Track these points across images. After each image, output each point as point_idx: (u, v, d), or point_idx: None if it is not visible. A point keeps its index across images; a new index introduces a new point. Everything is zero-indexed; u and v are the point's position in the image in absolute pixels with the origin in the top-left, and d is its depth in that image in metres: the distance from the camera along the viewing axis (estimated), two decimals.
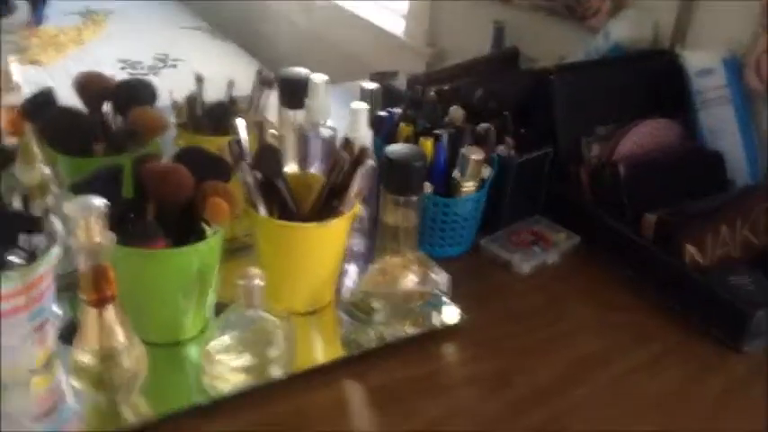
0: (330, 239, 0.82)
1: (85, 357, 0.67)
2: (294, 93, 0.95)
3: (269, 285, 0.71)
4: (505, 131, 1.00)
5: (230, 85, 0.95)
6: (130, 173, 0.74)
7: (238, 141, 0.79)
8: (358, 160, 0.80)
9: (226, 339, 0.73)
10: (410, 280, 0.84)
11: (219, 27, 2.47)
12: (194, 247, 0.72)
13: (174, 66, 2.11)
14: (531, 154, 1.00)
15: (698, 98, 1.09)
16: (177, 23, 2.44)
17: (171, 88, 0.91)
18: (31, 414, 0.65)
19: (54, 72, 1.96)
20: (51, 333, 0.73)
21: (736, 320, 0.86)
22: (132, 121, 0.84)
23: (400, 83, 1.28)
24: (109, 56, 2.11)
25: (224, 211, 0.71)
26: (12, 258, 0.65)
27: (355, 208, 0.81)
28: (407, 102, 1.06)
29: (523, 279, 0.97)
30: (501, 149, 0.99)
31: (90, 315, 0.65)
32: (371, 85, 1.07)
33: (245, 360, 0.74)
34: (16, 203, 0.70)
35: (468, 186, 0.94)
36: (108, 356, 0.66)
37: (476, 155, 0.92)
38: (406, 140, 0.96)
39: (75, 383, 0.69)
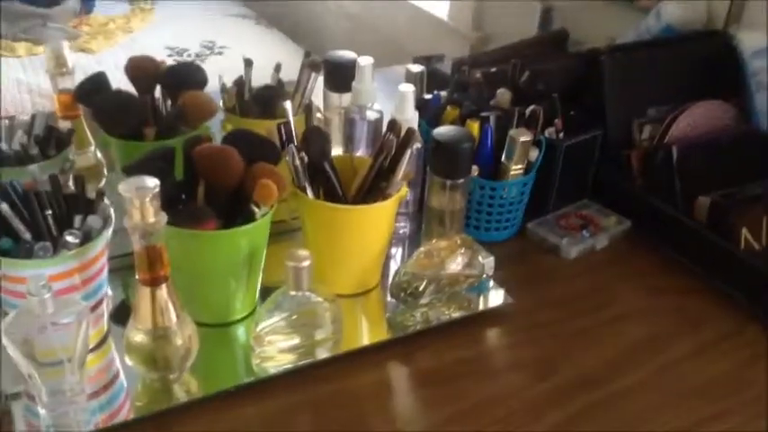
0: (377, 222, 0.82)
1: (138, 336, 0.68)
2: (341, 76, 0.96)
3: (316, 268, 0.72)
4: (553, 114, 0.99)
5: (277, 68, 0.95)
6: (181, 155, 0.75)
7: (287, 124, 0.80)
8: (405, 142, 0.79)
9: (274, 321, 0.73)
10: (456, 263, 0.83)
11: (264, 14, 2.49)
12: (244, 229, 0.73)
13: (221, 53, 2.13)
14: (579, 137, 0.99)
15: (752, 80, 1.06)
16: (223, 11, 2.46)
17: (226, 73, 0.91)
18: (85, 392, 0.66)
19: (103, 59, 1.99)
20: (105, 313, 0.75)
21: None
22: (182, 105, 0.85)
23: (445, 66, 1.27)
24: (156, 43, 2.14)
25: (273, 193, 0.72)
26: (68, 238, 0.66)
27: (402, 190, 0.81)
28: (454, 84, 1.06)
29: (571, 264, 0.96)
30: (549, 132, 0.98)
31: (144, 294, 0.66)
32: (417, 68, 1.06)
33: (293, 341, 0.75)
34: (71, 185, 0.72)
35: (516, 169, 0.93)
36: (161, 335, 0.68)
37: (524, 137, 0.91)
38: (453, 123, 0.96)
39: (129, 362, 0.70)
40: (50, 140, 0.82)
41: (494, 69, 1.07)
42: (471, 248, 0.85)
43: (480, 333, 0.84)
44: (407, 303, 0.83)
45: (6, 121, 0.82)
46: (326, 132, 0.82)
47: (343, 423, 0.71)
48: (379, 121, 0.92)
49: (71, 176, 0.72)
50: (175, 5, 2.44)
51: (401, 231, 0.97)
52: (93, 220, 0.69)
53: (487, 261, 0.85)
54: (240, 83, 0.92)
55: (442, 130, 0.86)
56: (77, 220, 0.69)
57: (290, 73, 0.97)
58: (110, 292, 0.77)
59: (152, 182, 0.62)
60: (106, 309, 0.75)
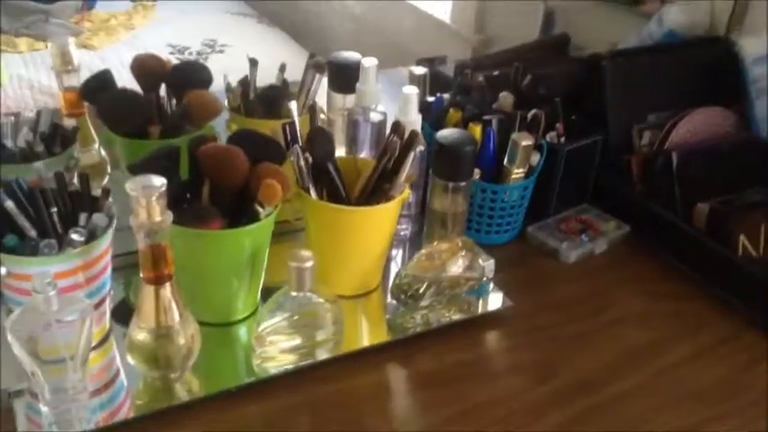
0: (379, 223, 0.82)
1: (141, 335, 0.69)
2: (345, 77, 0.96)
3: (318, 268, 0.72)
4: (555, 118, 0.99)
5: (282, 69, 0.95)
6: (186, 154, 0.75)
7: (292, 124, 0.80)
8: (409, 145, 0.80)
9: (276, 321, 0.74)
10: (457, 265, 0.84)
11: (266, 13, 2.49)
12: (249, 229, 0.73)
13: (222, 51, 2.13)
14: (580, 141, 1.00)
15: (753, 87, 1.07)
16: (225, 9, 2.46)
17: (227, 72, 0.92)
18: (87, 389, 0.66)
19: (105, 56, 1.99)
20: (107, 311, 0.75)
21: None
22: (187, 104, 0.85)
23: (447, 69, 1.28)
24: (158, 41, 2.14)
25: (278, 194, 0.72)
26: (74, 236, 0.67)
27: (405, 192, 0.82)
28: (456, 87, 1.06)
29: (570, 268, 0.96)
30: (550, 136, 0.98)
31: (147, 293, 0.66)
32: (420, 71, 1.07)
33: (294, 342, 0.75)
34: (75, 183, 0.72)
35: (517, 173, 0.94)
36: (163, 334, 0.68)
37: (525, 140, 0.92)
38: (455, 126, 0.96)
39: (131, 360, 0.71)
40: (56, 138, 0.82)
41: (496, 73, 1.07)
42: (472, 251, 0.85)
43: (480, 336, 0.84)
44: (408, 305, 0.84)
45: (11, 119, 0.83)
46: (331, 133, 0.82)
47: (342, 424, 0.72)
48: (382, 123, 0.92)
49: (75, 174, 0.72)
50: (177, 3, 2.44)
51: (402, 233, 0.97)
52: (99, 218, 0.69)
53: (488, 264, 0.85)
54: (245, 82, 0.92)
55: (445, 133, 0.87)
56: (83, 217, 0.69)
57: (291, 73, 0.97)
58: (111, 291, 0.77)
59: (159, 181, 0.62)
60: (108, 307, 0.75)
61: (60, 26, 2.12)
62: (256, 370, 0.75)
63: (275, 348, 0.75)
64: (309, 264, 0.71)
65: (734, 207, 0.94)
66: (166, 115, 0.89)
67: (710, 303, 0.90)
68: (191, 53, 2.11)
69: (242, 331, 0.80)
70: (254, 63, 0.92)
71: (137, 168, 0.68)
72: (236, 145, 0.74)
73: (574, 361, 0.81)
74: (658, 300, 0.92)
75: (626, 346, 0.84)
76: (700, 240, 0.93)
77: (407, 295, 0.83)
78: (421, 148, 0.82)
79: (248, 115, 0.91)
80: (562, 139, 0.99)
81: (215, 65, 0.92)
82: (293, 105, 0.82)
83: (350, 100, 0.96)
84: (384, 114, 0.93)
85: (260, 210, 0.73)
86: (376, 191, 0.82)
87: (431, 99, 1.05)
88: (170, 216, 0.64)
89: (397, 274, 0.85)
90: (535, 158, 0.94)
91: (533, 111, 0.97)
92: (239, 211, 0.74)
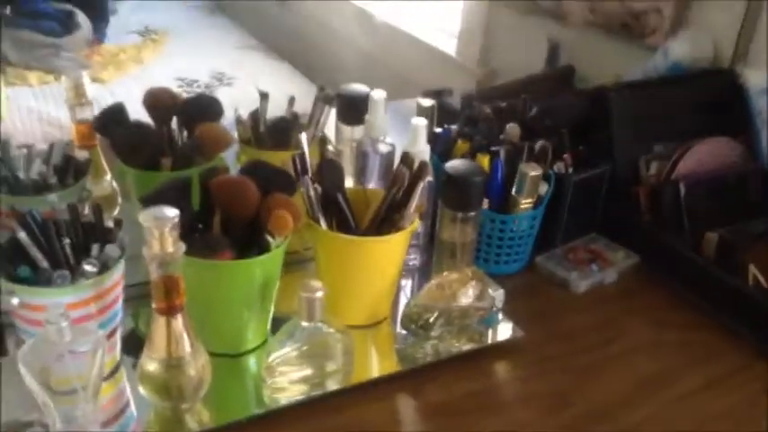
0: (389, 253, 0.83)
1: (152, 365, 0.69)
2: (353, 109, 0.97)
3: (327, 298, 0.72)
4: (562, 149, 1.00)
5: (291, 101, 0.97)
6: (197, 186, 0.76)
7: (302, 155, 0.81)
8: (418, 175, 0.81)
9: (286, 352, 0.74)
10: (467, 296, 0.84)
11: (273, 47, 2.52)
12: (260, 259, 0.74)
13: (230, 84, 2.15)
14: (587, 172, 1.00)
15: (758, 118, 1.08)
16: (233, 43, 2.49)
17: (235, 105, 0.93)
18: (98, 420, 0.66)
19: (114, 89, 2.01)
20: (118, 341, 0.75)
21: None
22: (199, 137, 0.86)
23: (453, 100, 1.29)
24: (167, 74, 2.16)
25: (288, 224, 0.73)
26: (87, 267, 0.67)
27: (414, 223, 0.82)
28: (464, 119, 1.07)
29: (580, 297, 0.96)
30: (558, 167, 0.99)
31: (159, 324, 0.67)
32: (428, 102, 1.08)
33: (304, 372, 0.75)
34: (86, 213, 0.73)
35: (526, 203, 0.94)
36: (175, 365, 0.68)
37: (534, 171, 0.92)
38: (463, 157, 0.97)
39: (142, 391, 0.71)
40: (68, 170, 0.83)
41: (503, 104, 1.08)
42: (482, 281, 0.86)
43: (490, 366, 0.84)
44: (418, 335, 0.84)
45: (24, 150, 0.84)
46: (340, 164, 0.83)
47: None
48: (391, 154, 0.93)
49: (87, 205, 0.73)
50: (185, 37, 2.47)
51: (411, 263, 0.97)
52: (111, 249, 0.69)
53: (498, 294, 0.85)
54: (255, 115, 0.93)
55: (454, 164, 0.87)
56: (95, 248, 0.70)
57: (299, 105, 0.98)
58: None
59: (171, 212, 0.63)
60: (119, 337, 0.75)
61: (71, 60, 2.15)
62: (266, 401, 0.75)
63: (285, 379, 0.75)
64: (320, 294, 0.71)
65: (743, 236, 0.94)
66: (177, 147, 0.90)
67: (720, 333, 0.90)
68: (199, 86, 2.13)
69: (252, 362, 0.80)
70: (264, 96, 0.93)
71: (149, 200, 0.69)
72: (248, 176, 0.75)
73: (584, 391, 0.81)
74: (668, 329, 0.92)
75: (636, 376, 0.84)
76: (709, 270, 0.93)
77: (417, 325, 0.83)
78: (430, 178, 0.82)
79: (258, 147, 0.92)
80: (570, 170, 1.00)
81: (223, 98, 0.93)
82: (304, 137, 0.83)
83: (358, 131, 0.98)
84: (392, 146, 0.93)
85: (270, 240, 0.74)
86: (385, 221, 0.82)
87: (438, 130, 1.05)
88: (182, 247, 0.64)
89: (407, 305, 0.85)
90: (543, 188, 0.95)
91: (541, 142, 0.98)
92: (250, 241, 0.75)
